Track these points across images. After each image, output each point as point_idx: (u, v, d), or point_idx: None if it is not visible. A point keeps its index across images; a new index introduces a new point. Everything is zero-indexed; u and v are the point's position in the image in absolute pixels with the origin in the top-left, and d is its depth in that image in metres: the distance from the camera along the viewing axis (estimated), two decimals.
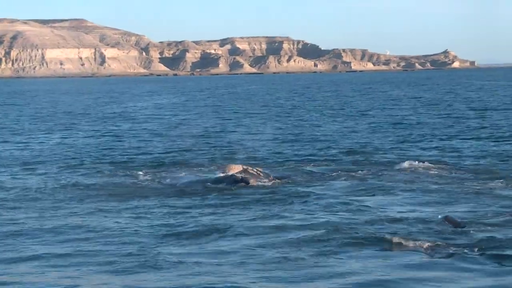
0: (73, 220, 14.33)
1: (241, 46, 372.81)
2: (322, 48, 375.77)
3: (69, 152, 27.41)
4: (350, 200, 15.94)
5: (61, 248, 12.03)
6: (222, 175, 19.30)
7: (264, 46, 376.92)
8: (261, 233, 12.66)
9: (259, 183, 18.66)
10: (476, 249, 11.06)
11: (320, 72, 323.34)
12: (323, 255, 11.07)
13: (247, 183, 18.43)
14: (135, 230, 13.15)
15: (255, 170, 19.77)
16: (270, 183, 18.67)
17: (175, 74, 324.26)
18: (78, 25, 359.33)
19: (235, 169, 19.57)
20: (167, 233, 12.96)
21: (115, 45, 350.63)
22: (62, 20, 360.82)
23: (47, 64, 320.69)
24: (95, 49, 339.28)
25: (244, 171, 19.39)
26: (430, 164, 21.32)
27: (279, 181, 18.96)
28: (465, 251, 11.04)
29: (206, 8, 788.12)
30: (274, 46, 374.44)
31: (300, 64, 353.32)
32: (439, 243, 11.61)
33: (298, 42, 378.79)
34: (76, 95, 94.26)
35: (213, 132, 34.51)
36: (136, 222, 13.87)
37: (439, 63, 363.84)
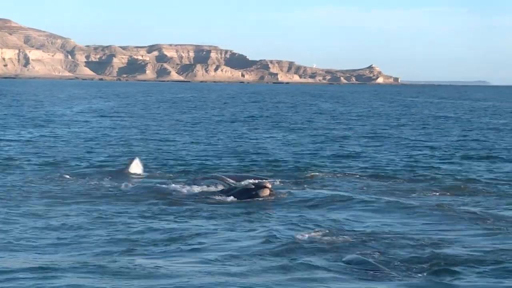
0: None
1: (169, 53, 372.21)
2: (250, 59, 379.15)
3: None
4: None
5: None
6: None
7: (192, 54, 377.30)
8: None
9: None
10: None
11: (248, 83, 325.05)
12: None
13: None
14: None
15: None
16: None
17: (101, 79, 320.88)
18: (2, 25, 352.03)
19: None
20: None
21: (40, 47, 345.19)
22: None
23: None
24: (19, 50, 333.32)
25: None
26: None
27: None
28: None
29: (133, 13, 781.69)
30: (202, 55, 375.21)
31: (227, 73, 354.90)
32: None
33: (226, 51, 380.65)
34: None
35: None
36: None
37: (364, 78, 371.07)
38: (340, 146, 31.92)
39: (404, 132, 41.27)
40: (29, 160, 24.95)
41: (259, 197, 18.00)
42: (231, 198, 18.01)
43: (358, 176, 22.15)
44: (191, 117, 53.94)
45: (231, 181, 20.02)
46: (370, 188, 19.77)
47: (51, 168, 23.12)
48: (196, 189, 19.02)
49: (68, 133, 36.92)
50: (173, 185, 19.50)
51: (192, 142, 33.05)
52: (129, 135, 36.27)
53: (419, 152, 29.77)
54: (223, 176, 20.73)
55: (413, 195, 18.70)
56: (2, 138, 33.48)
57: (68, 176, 21.10)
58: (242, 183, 19.63)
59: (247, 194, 18.17)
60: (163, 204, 16.82)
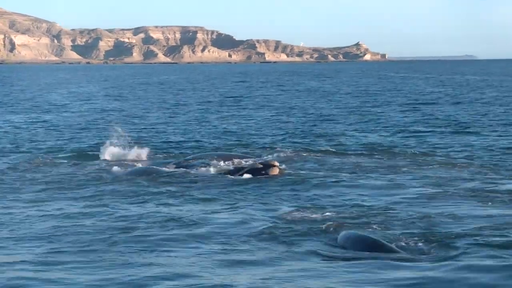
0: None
1: (155, 35, 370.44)
2: (236, 39, 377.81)
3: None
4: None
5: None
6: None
7: (178, 35, 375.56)
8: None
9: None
10: None
11: (235, 63, 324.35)
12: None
13: None
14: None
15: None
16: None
17: (88, 63, 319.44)
18: None
19: None
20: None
21: (26, 31, 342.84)
22: None
23: None
24: (4, 35, 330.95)
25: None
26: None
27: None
28: None
29: None
30: (188, 36, 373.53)
31: (214, 54, 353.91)
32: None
33: (213, 32, 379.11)
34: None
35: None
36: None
37: (351, 55, 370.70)
38: (329, 125, 32.05)
39: (394, 109, 41.40)
40: (17, 147, 24.92)
41: (269, 175, 18.00)
42: (239, 177, 17.95)
43: (351, 154, 22.26)
44: (178, 99, 53.89)
45: (222, 161, 20.07)
46: (362, 166, 19.86)
47: (39, 153, 23.01)
48: (194, 170, 18.92)
49: (55, 119, 36.84)
50: (169, 167, 19.44)
51: (183, 123, 33.11)
52: (118, 119, 36.23)
53: (410, 129, 29.93)
54: (215, 156, 20.78)
55: (407, 170, 18.82)
56: None
57: (56, 161, 21.03)
58: (246, 162, 19.63)
59: (256, 173, 18.13)
60: (162, 187, 16.68)
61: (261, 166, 18.40)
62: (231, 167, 19.12)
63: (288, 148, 23.61)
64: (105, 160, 21.19)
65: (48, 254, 10.88)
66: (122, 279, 9.60)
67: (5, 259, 10.61)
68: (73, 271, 10.00)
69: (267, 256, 10.77)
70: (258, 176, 17.92)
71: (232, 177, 18.02)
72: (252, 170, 18.28)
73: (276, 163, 18.56)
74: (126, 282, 9.51)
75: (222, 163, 19.81)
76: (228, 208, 14.26)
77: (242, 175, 18.11)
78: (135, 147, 22.44)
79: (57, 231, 12.34)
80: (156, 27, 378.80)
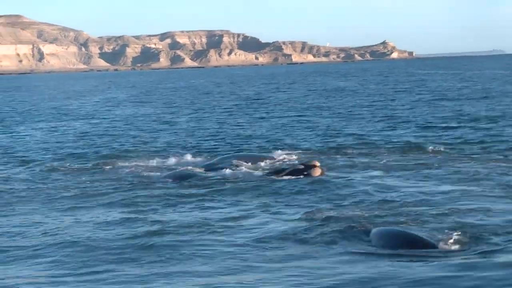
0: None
1: (181, 40, 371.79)
2: (263, 41, 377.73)
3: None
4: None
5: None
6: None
7: (204, 39, 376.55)
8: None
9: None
10: None
11: (262, 65, 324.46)
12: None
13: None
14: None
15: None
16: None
17: (116, 69, 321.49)
18: (15, 21, 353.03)
19: None
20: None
21: (54, 41, 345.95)
22: None
23: None
24: (33, 45, 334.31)
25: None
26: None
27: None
28: None
29: (144, 2, 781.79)
30: (214, 40, 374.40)
31: (241, 57, 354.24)
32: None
33: (239, 35, 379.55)
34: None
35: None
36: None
37: (378, 54, 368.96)
38: (358, 123, 31.92)
39: (423, 105, 41.14)
40: (48, 153, 25.15)
41: (311, 177, 17.50)
42: (281, 178, 17.50)
43: (382, 152, 22.12)
44: (206, 102, 54.03)
45: (249, 163, 20.00)
46: (393, 163, 19.73)
47: (71, 159, 23.22)
48: (226, 171, 18.81)
49: (85, 126, 37.12)
50: (199, 170, 19.37)
51: (211, 126, 33.19)
52: (147, 124, 36.44)
53: (440, 125, 29.71)
54: (245, 158, 20.69)
55: (439, 166, 18.68)
56: (21, 132, 33.76)
57: (87, 168, 21.19)
58: (283, 162, 19.29)
59: (298, 174, 17.66)
60: (196, 190, 16.66)
61: (303, 167, 17.96)
62: (270, 168, 18.72)
63: (318, 148, 23.58)
64: (137, 165, 21.27)
65: (85, 262, 10.91)
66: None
67: (41, 268, 10.68)
68: (109, 280, 10.03)
69: (303, 255, 10.76)
70: (300, 177, 17.49)
71: (273, 177, 17.67)
72: (294, 171, 17.85)
73: (318, 163, 18.07)
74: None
75: (251, 164, 19.66)
76: (262, 210, 14.22)
77: (283, 176, 17.69)
78: (168, 154, 22.63)
79: (94, 237, 12.42)
80: (182, 32, 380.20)
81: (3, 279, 10.11)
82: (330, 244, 11.30)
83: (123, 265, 10.58)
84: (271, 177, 17.83)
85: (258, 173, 18.60)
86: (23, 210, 15.13)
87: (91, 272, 10.28)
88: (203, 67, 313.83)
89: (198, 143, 27.08)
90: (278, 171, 18.13)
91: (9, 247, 11.93)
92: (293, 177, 17.53)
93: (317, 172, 17.72)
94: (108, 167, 20.97)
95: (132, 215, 14.01)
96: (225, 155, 21.82)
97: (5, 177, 19.79)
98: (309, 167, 17.82)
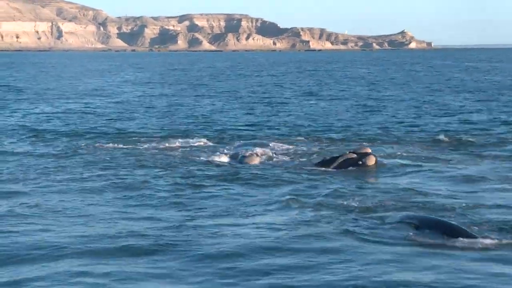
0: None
1: (200, 23, 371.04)
2: (281, 27, 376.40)
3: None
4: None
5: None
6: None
7: (222, 23, 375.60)
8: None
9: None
10: None
11: (279, 51, 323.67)
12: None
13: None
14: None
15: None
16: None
17: (133, 50, 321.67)
18: None
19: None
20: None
21: (72, 19, 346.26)
22: None
23: (2, 37, 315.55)
24: (52, 23, 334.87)
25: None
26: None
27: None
28: None
29: None
30: (232, 24, 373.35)
31: (259, 42, 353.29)
32: None
33: (257, 20, 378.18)
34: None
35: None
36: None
37: (396, 44, 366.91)
38: (388, 115, 31.89)
39: (452, 97, 41.05)
40: (86, 129, 25.50)
41: (366, 166, 16.46)
42: (332, 168, 16.41)
43: (417, 144, 21.94)
44: (226, 87, 54.08)
45: (285, 145, 19.83)
46: (425, 154, 19.73)
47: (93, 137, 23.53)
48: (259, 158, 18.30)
49: (103, 104, 37.31)
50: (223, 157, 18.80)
51: (233, 111, 33.28)
52: (167, 107, 36.57)
53: (472, 119, 29.64)
54: (269, 144, 20.59)
55: (471, 161, 18.61)
56: (45, 110, 34.01)
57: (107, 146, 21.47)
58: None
59: (352, 164, 16.52)
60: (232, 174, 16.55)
61: (355, 155, 16.67)
62: (317, 158, 17.67)
63: (345, 137, 23.63)
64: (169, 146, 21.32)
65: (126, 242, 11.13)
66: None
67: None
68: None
69: (349, 245, 10.88)
70: (355, 167, 16.41)
71: (324, 168, 16.55)
72: (346, 161, 16.61)
73: (369, 150, 16.98)
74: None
75: (274, 151, 19.21)
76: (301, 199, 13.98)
77: (336, 167, 16.49)
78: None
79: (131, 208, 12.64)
80: (201, 14, 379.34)
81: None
82: (370, 235, 11.42)
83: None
84: (321, 168, 16.67)
85: (306, 163, 17.55)
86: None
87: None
88: (221, 51, 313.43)
89: (219, 128, 27.15)
90: (327, 162, 16.92)
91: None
92: (345, 167, 16.41)
93: (371, 160, 16.59)
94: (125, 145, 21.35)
95: (163, 191, 14.22)
96: (252, 141, 21.62)
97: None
98: (363, 155, 16.64)
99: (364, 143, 20.40)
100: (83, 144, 21.70)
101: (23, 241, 10.83)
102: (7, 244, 10.66)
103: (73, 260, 9.91)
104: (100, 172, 16.78)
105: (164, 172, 16.74)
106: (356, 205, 13.12)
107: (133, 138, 23.41)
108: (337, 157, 16.96)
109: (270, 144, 20.60)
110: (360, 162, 16.59)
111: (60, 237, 11.02)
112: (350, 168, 16.67)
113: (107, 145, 21.55)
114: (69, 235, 11.17)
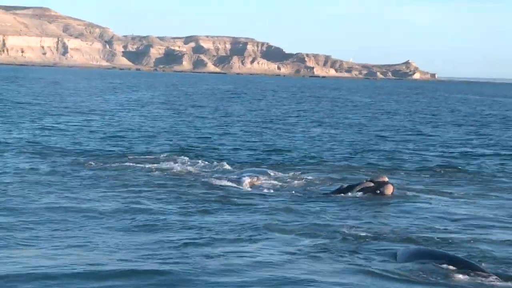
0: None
1: (206, 45, 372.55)
2: (286, 52, 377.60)
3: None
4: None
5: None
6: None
7: (228, 46, 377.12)
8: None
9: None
10: None
11: (284, 76, 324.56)
12: None
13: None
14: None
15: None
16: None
17: (138, 69, 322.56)
18: (42, 14, 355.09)
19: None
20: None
21: (79, 36, 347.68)
22: (25, 8, 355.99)
23: (7, 51, 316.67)
24: (58, 38, 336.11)
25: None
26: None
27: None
28: None
29: (171, 3, 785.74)
30: (238, 47, 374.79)
31: (263, 66, 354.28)
32: None
33: (263, 44, 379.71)
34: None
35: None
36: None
37: (400, 74, 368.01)
38: (392, 143, 31.73)
39: (454, 130, 40.95)
40: (80, 146, 25.30)
41: (383, 194, 16.34)
42: (352, 196, 16.28)
43: (416, 172, 21.95)
44: (229, 111, 54.01)
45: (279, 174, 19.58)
46: (427, 184, 19.52)
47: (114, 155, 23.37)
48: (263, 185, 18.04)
49: (111, 123, 37.17)
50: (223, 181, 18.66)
51: (234, 136, 33.10)
52: (169, 128, 36.44)
53: (475, 151, 29.47)
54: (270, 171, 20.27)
55: (471, 193, 18.44)
56: (45, 126, 33.86)
57: (130, 163, 21.37)
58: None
59: (369, 192, 16.44)
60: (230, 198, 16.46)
61: (373, 184, 16.59)
62: (337, 186, 17.34)
63: (344, 163, 23.46)
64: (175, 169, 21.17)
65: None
66: None
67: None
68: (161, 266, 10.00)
69: (345, 269, 10.67)
70: (372, 196, 16.34)
71: (342, 195, 16.46)
72: (364, 190, 16.53)
73: (386, 178, 16.87)
74: None
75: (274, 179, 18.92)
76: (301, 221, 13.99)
77: (354, 194, 16.45)
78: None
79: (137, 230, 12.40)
80: (207, 36, 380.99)
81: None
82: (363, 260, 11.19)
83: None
84: (338, 195, 16.54)
85: (317, 191, 17.38)
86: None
87: None
88: (225, 73, 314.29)
89: (219, 151, 26.95)
90: (345, 189, 16.75)
91: None
92: (364, 196, 16.33)
93: (389, 189, 16.47)
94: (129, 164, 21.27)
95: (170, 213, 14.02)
96: (252, 168, 21.16)
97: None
98: (380, 184, 16.55)
99: (381, 172, 20.19)
100: (89, 163, 21.53)
101: (21, 268, 10.52)
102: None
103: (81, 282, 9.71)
104: (103, 193, 16.59)
105: (167, 196, 16.56)
106: (371, 235, 12.92)
107: (139, 157, 23.24)
108: (355, 185, 16.85)
109: (279, 171, 20.37)
110: (378, 191, 16.48)
111: (64, 260, 10.79)
112: (367, 195, 16.55)
113: (111, 164, 21.36)
114: (75, 261, 10.94)
